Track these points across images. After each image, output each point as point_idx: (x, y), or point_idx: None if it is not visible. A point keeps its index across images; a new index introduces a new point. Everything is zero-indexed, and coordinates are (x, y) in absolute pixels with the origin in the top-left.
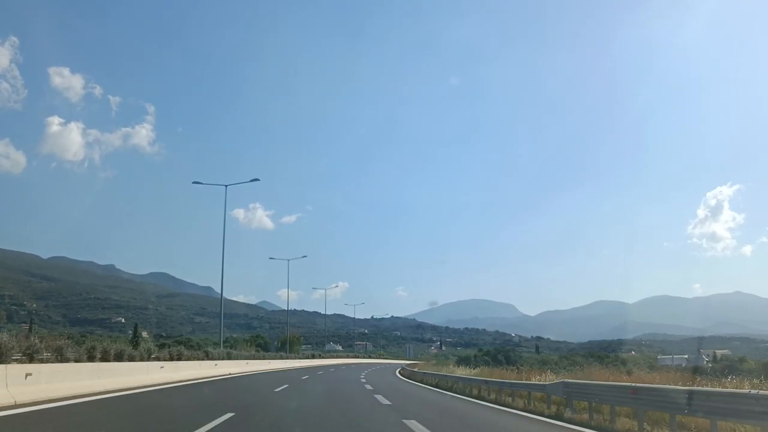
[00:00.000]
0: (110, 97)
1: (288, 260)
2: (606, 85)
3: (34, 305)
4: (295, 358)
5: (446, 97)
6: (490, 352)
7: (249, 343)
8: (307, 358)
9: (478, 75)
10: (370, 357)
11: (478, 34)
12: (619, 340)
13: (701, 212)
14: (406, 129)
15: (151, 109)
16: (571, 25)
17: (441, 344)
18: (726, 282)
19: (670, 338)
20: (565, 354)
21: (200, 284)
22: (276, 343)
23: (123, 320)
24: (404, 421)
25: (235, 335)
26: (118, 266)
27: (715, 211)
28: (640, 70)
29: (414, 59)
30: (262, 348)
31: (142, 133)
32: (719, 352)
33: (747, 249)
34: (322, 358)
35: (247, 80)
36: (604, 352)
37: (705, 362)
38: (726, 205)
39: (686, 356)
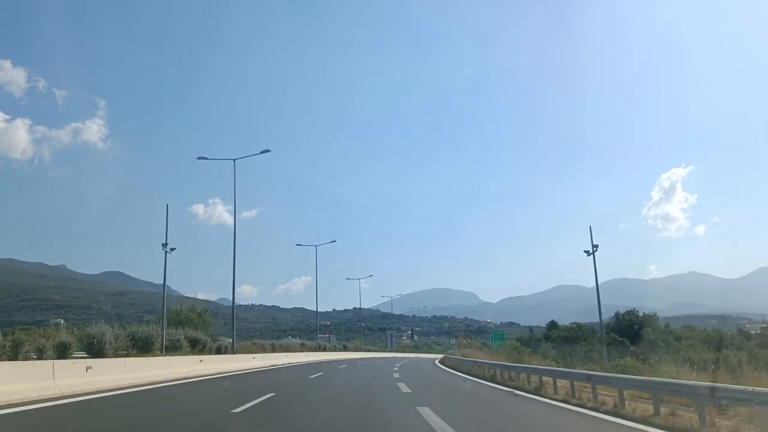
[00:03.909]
0: (56, 90)
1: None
2: (562, 69)
3: None
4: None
5: (398, 83)
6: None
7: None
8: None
9: (434, 60)
10: (344, 350)
11: (434, 18)
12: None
13: (655, 194)
14: (360, 117)
15: (102, 103)
16: (528, 6)
17: (413, 333)
18: (681, 262)
19: None
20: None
21: (156, 282)
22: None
23: (62, 321)
24: None
25: None
26: (69, 266)
27: (669, 193)
28: (601, 54)
29: (370, 44)
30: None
31: (93, 129)
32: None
33: (700, 229)
34: (233, 353)
35: (203, 71)
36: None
37: None
38: (679, 186)
39: None
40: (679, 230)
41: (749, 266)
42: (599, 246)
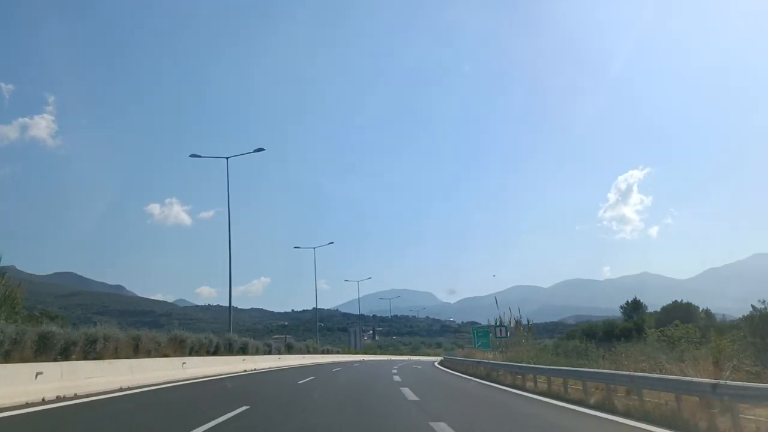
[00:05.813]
0: (2, 84)
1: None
2: (522, 69)
3: None
4: None
5: (354, 80)
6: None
7: None
8: None
9: (388, 56)
10: (288, 351)
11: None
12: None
13: (612, 196)
14: (318, 115)
15: (51, 99)
16: (495, 4)
17: (374, 333)
18: (634, 264)
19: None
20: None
21: (110, 283)
22: None
23: None
24: None
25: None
26: (19, 267)
27: (625, 195)
28: (560, 53)
29: (325, 36)
30: None
31: (42, 125)
32: None
33: (653, 230)
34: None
35: (158, 66)
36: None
37: None
38: (635, 188)
39: None
40: (634, 232)
41: (698, 267)
42: (554, 248)
